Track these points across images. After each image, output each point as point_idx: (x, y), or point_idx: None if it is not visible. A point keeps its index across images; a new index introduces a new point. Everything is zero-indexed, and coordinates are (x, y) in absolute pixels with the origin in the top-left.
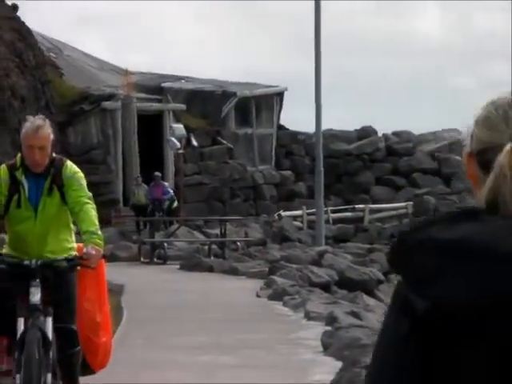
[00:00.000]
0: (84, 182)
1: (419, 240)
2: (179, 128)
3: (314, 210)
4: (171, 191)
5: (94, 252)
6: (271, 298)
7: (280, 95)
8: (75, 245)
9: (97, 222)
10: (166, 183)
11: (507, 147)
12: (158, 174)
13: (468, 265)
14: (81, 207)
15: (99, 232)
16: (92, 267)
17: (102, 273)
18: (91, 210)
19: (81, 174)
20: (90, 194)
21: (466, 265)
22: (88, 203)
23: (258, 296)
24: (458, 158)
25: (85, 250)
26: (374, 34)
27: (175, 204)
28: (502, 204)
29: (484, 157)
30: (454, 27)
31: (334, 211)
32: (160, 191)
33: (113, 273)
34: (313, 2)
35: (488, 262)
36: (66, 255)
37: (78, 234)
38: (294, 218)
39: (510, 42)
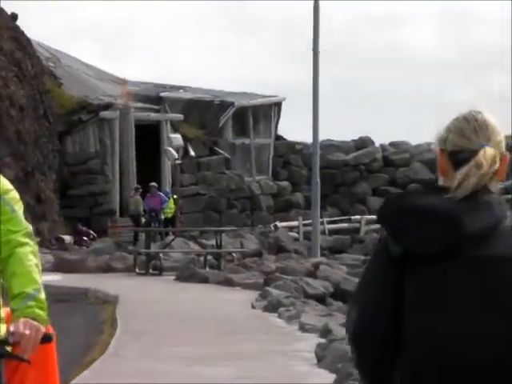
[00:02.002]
0: (20, 208)
1: (401, 205)
2: (177, 138)
3: (310, 220)
4: (167, 198)
5: (27, 332)
6: (266, 309)
7: (278, 105)
8: (3, 313)
9: (38, 278)
10: (163, 193)
11: (483, 150)
12: (153, 184)
13: (431, 223)
14: (11, 250)
15: (41, 295)
16: (25, 359)
17: (49, 366)
18: (28, 256)
19: (15, 195)
20: (30, 228)
21: (429, 223)
22: (24, 244)
23: (253, 307)
24: None
25: (12, 327)
26: (373, 45)
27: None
28: (468, 188)
29: (456, 156)
30: (453, 39)
31: (330, 222)
32: (157, 201)
33: (108, 284)
34: (312, 12)
35: (446, 223)
36: None
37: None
38: (290, 228)
39: (508, 54)
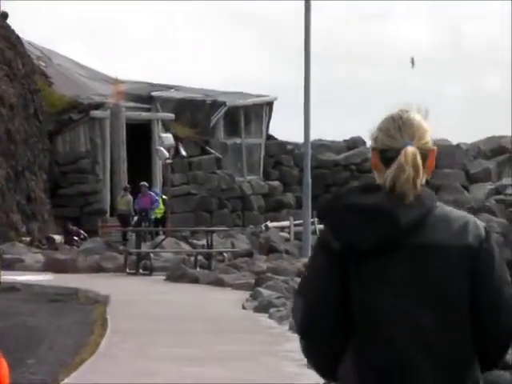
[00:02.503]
0: None
1: (340, 204)
2: (168, 137)
3: (301, 221)
4: (158, 198)
5: None
6: (257, 309)
7: (269, 105)
8: None
9: None
10: (152, 192)
11: (404, 150)
12: (143, 183)
13: (368, 220)
14: None
15: None
16: None
17: None
18: None
19: None
20: None
21: (367, 220)
22: None
23: (243, 308)
24: (447, 170)
25: None
26: (364, 44)
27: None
28: (398, 187)
29: (385, 154)
30: (446, 37)
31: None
32: (147, 201)
33: (98, 284)
34: (303, 12)
35: (375, 220)
36: None
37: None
38: (281, 228)
39: (504, 52)
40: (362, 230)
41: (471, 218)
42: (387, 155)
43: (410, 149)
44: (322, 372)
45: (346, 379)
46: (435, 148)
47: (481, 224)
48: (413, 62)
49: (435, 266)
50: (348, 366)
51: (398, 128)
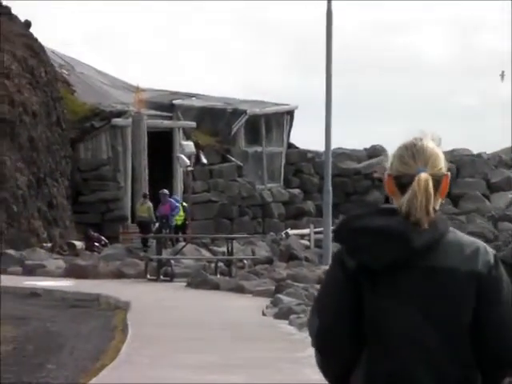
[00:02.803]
0: None
1: (355, 225)
2: (189, 145)
3: (321, 228)
4: (178, 204)
5: None
6: (277, 316)
7: (290, 113)
8: None
9: None
10: (173, 199)
11: (417, 177)
12: (163, 191)
13: (382, 242)
14: None
15: None
16: None
17: None
18: None
19: None
20: None
21: (381, 242)
22: None
23: (263, 314)
24: (468, 179)
25: None
26: (386, 53)
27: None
28: (412, 213)
29: (400, 180)
30: (461, 46)
31: None
32: (168, 208)
33: (119, 290)
34: (324, 20)
35: (389, 241)
36: None
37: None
38: (302, 236)
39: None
40: (376, 250)
41: (482, 244)
42: (402, 181)
43: (423, 175)
44: (333, 383)
45: None
46: (448, 173)
47: (490, 251)
48: (502, 76)
49: (444, 288)
50: (358, 377)
51: (411, 155)
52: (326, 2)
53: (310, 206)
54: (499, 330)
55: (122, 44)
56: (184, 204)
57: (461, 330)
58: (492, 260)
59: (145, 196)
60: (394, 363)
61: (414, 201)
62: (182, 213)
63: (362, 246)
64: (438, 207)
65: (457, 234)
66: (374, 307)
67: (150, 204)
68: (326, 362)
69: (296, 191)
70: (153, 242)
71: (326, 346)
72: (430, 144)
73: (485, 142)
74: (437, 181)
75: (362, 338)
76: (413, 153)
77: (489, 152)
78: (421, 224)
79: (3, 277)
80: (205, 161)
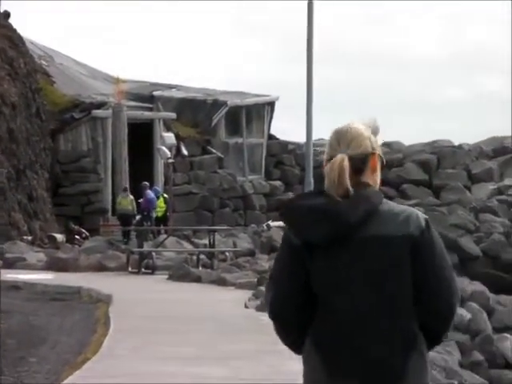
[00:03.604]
0: None
1: (296, 205)
2: (169, 137)
3: None
4: (153, 196)
5: None
6: (259, 309)
7: (271, 104)
8: None
9: None
10: (153, 190)
11: (335, 158)
12: (144, 183)
13: (317, 219)
14: None
15: None
16: None
17: None
18: None
19: None
20: None
21: (316, 219)
22: None
23: (246, 307)
24: (449, 170)
25: None
26: (367, 45)
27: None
28: (330, 188)
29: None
30: (447, 39)
31: None
32: (147, 201)
33: (101, 282)
34: (305, 12)
35: (326, 218)
36: None
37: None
38: (283, 228)
39: (503, 54)
40: (314, 227)
41: (413, 211)
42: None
43: (338, 156)
44: (290, 346)
45: (306, 350)
46: (376, 151)
47: (422, 216)
48: None
49: (381, 254)
50: (307, 342)
51: (336, 140)
52: None
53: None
54: (435, 285)
55: (102, 35)
56: (165, 195)
57: (400, 290)
58: (423, 223)
59: (125, 189)
60: (339, 328)
61: (329, 178)
62: (162, 204)
63: (301, 224)
64: (373, 182)
65: (390, 205)
66: (319, 279)
67: (131, 197)
68: (281, 329)
69: (277, 183)
70: (134, 235)
71: (280, 315)
72: (354, 127)
73: (466, 132)
74: (360, 159)
75: (312, 307)
76: (337, 137)
77: (470, 143)
78: (355, 197)
79: None
80: (185, 152)
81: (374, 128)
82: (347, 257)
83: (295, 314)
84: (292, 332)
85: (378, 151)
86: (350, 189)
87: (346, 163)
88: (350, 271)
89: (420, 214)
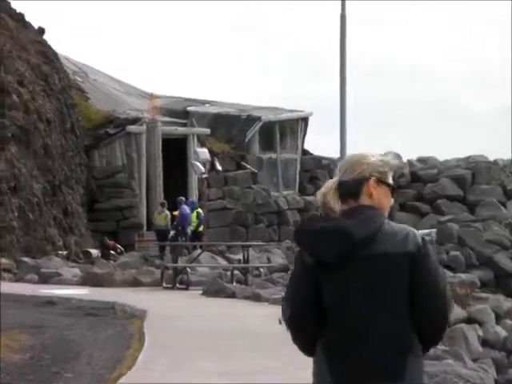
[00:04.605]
0: None
1: (307, 227)
2: (203, 152)
3: None
4: (188, 212)
5: None
6: None
7: (305, 120)
8: None
9: None
10: (189, 203)
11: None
12: (180, 198)
13: (327, 240)
14: None
15: None
16: None
17: None
18: None
19: None
20: None
21: (326, 239)
22: None
23: (280, 323)
24: (484, 186)
25: None
26: (400, 60)
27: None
28: (321, 209)
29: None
30: (478, 53)
31: None
32: (182, 216)
33: (135, 298)
34: (338, 27)
35: (335, 238)
36: None
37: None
38: None
39: None
40: (326, 247)
41: (411, 230)
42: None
43: (330, 181)
44: (306, 352)
45: (317, 353)
46: (372, 177)
47: (419, 234)
48: None
49: (383, 269)
50: (319, 349)
51: (339, 167)
52: (339, 7)
53: None
54: (430, 298)
55: (137, 51)
56: (199, 210)
57: (399, 301)
58: (420, 241)
59: (162, 204)
60: (344, 335)
61: (319, 200)
62: (194, 219)
63: (314, 244)
64: (376, 204)
65: (390, 225)
66: (330, 294)
67: (167, 212)
68: (297, 338)
69: (311, 198)
70: (168, 250)
71: (296, 327)
72: (357, 154)
73: (501, 148)
74: (353, 184)
75: (323, 318)
76: (340, 164)
77: (505, 158)
78: (360, 218)
79: (19, 285)
80: (219, 168)
81: (391, 164)
82: (354, 272)
83: (311, 326)
84: (308, 341)
85: (379, 176)
86: (336, 209)
87: (333, 187)
88: (355, 285)
89: (417, 232)
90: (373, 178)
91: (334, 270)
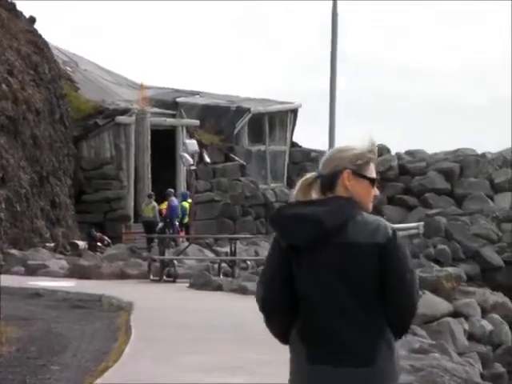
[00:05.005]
0: None
1: (282, 213)
2: (192, 144)
3: None
4: (176, 202)
5: None
6: None
7: (294, 112)
8: None
9: None
10: (173, 198)
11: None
12: (169, 190)
13: (300, 225)
14: None
15: None
16: None
17: None
18: None
19: None
20: None
21: (299, 225)
22: None
23: None
24: (472, 179)
25: None
26: (389, 54)
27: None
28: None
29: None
30: (466, 47)
31: None
32: (170, 208)
33: (122, 290)
34: (330, 20)
35: (307, 223)
36: None
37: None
38: None
39: None
40: (297, 232)
41: (382, 221)
42: None
43: (306, 175)
44: (279, 337)
45: (292, 338)
46: (346, 170)
47: (389, 226)
48: None
49: (353, 258)
50: (293, 332)
51: (320, 161)
52: (331, 2)
53: None
54: (399, 287)
55: (126, 41)
56: (189, 201)
57: (368, 289)
58: (390, 233)
59: (150, 196)
60: (317, 319)
61: (297, 192)
62: (187, 210)
63: (287, 229)
64: (355, 195)
65: (363, 216)
66: (301, 278)
67: (154, 204)
68: (269, 320)
69: None
70: (156, 242)
71: (268, 309)
72: (334, 149)
73: (489, 141)
74: (328, 178)
75: (297, 301)
76: (321, 159)
77: (493, 152)
78: (332, 206)
79: (6, 277)
80: (208, 160)
81: (368, 156)
82: (325, 258)
83: (283, 308)
84: (281, 324)
85: (354, 169)
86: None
87: (306, 180)
88: (327, 272)
89: (388, 225)
90: (346, 171)
91: (305, 255)
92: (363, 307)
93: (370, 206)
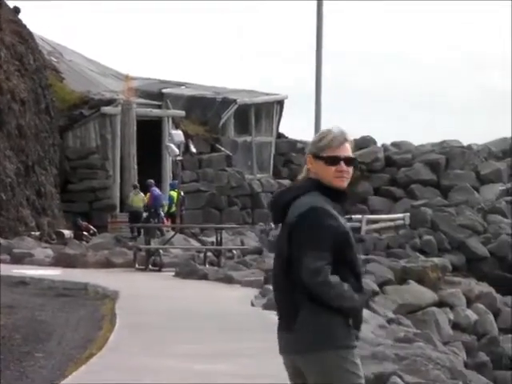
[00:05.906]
0: None
1: (272, 197)
2: (178, 134)
3: None
4: (158, 191)
5: None
6: (266, 307)
7: (280, 103)
8: None
9: None
10: (155, 187)
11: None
12: (149, 181)
13: (272, 208)
14: None
15: None
16: None
17: None
18: None
19: None
20: None
21: (272, 208)
22: None
23: (252, 305)
24: (457, 171)
25: None
26: (375, 44)
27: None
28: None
29: None
30: (453, 37)
31: None
32: (153, 198)
33: (108, 279)
34: (315, 10)
35: (275, 205)
36: None
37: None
38: None
39: (506, 51)
40: (271, 214)
41: (307, 203)
42: None
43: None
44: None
45: None
46: (308, 154)
47: (307, 209)
48: None
49: (283, 235)
50: None
51: None
52: None
53: None
54: (298, 261)
55: (112, 32)
56: (177, 191)
57: (288, 261)
58: (302, 211)
59: (135, 187)
60: (273, 289)
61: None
62: (175, 200)
63: (270, 212)
64: (320, 177)
65: (305, 197)
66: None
67: (142, 194)
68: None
69: (285, 182)
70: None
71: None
72: (315, 135)
73: (475, 133)
74: (303, 161)
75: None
76: None
77: (479, 143)
78: (293, 187)
79: None
80: (194, 150)
81: (329, 139)
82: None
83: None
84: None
85: (315, 152)
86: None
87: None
88: (275, 249)
89: (307, 208)
90: (308, 155)
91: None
92: (286, 278)
93: (339, 183)
